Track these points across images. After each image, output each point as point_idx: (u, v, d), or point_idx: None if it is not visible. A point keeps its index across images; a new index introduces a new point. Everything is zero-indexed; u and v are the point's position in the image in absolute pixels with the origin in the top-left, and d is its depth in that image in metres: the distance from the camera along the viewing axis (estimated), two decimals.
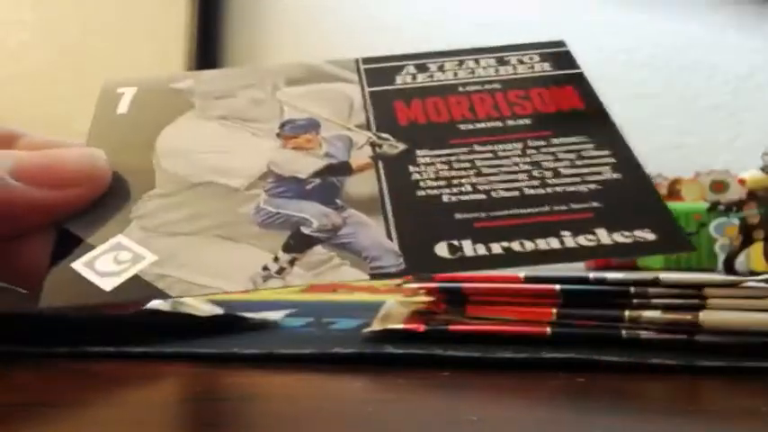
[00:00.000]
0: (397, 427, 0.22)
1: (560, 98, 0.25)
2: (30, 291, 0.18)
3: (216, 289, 0.22)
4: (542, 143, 0.27)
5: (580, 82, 0.27)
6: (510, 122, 0.27)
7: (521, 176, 0.26)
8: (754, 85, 1.11)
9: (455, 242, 0.24)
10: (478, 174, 0.26)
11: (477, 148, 0.27)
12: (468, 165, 0.26)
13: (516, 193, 0.25)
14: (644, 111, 1.13)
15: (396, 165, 0.26)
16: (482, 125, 0.27)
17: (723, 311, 0.31)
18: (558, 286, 0.33)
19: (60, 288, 0.20)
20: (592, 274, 0.34)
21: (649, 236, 0.24)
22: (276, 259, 0.23)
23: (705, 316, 0.31)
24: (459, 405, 0.24)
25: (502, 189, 0.25)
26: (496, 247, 0.24)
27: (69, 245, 0.19)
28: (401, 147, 0.26)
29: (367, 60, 0.30)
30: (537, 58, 0.26)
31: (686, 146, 1.12)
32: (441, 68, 0.27)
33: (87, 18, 1.22)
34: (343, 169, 0.27)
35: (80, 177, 0.17)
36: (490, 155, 0.26)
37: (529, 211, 0.25)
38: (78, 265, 0.20)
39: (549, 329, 0.32)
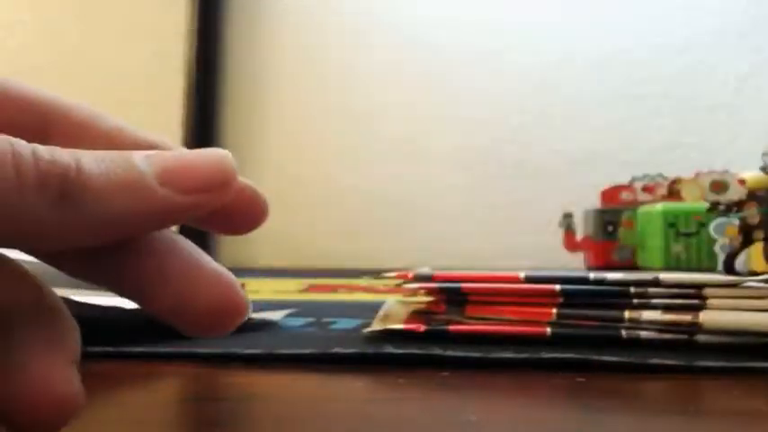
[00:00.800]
0: (398, 427, 0.22)
1: None
2: (137, 298, 0.17)
3: None
4: None
5: None
6: None
7: None
8: (754, 85, 1.11)
9: None
10: None
11: None
12: None
13: None
14: (644, 111, 1.13)
15: None
16: None
17: (723, 312, 0.31)
18: (558, 286, 0.33)
19: None
20: (592, 275, 0.34)
21: None
22: None
23: (705, 316, 0.31)
24: (460, 405, 0.24)
25: None
26: None
27: None
28: None
29: None
30: None
31: (686, 146, 1.12)
32: None
33: (87, 18, 1.22)
34: None
35: (212, 183, 0.16)
36: None
37: None
38: None
39: (548, 329, 0.32)
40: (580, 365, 0.28)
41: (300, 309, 0.45)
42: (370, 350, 0.30)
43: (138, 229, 0.16)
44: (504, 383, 0.27)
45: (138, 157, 0.16)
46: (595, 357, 0.28)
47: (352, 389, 0.27)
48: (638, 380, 0.28)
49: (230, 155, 0.17)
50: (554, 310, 0.33)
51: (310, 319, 0.40)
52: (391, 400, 0.25)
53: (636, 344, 0.31)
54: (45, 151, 0.15)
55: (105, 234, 0.16)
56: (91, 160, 0.15)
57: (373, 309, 0.39)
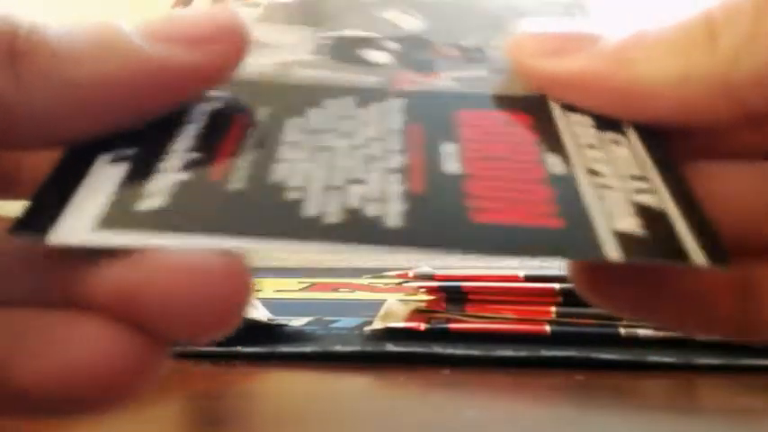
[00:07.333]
0: (398, 425, 0.22)
1: None
2: None
3: None
4: None
5: None
6: None
7: None
8: None
9: None
10: None
11: None
12: None
13: None
14: None
15: None
16: None
17: None
18: (557, 285, 0.33)
19: None
20: None
21: None
22: None
23: None
24: (460, 402, 0.25)
25: None
26: None
27: None
28: None
29: None
30: None
31: None
32: None
33: (86, 17, 1.22)
34: None
35: (218, 32, 0.13)
36: None
37: None
38: None
39: (548, 328, 0.32)
40: (579, 363, 0.28)
41: (302, 307, 0.45)
42: (371, 348, 0.30)
43: (136, 101, 0.12)
44: (504, 381, 0.28)
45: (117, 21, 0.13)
46: (594, 355, 0.29)
47: (354, 387, 0.27)
48: (636, 377, 0.28)
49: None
50: (553, 309, 0.33)
51: (312, 318, 0.41)
52: (392, 397, 0.26)
53: (634, 342, 0.32)
54: None
55: (88, 111, 0.12)
56: (51, 25, 0.13)
57: (374, 307, 0.39)
